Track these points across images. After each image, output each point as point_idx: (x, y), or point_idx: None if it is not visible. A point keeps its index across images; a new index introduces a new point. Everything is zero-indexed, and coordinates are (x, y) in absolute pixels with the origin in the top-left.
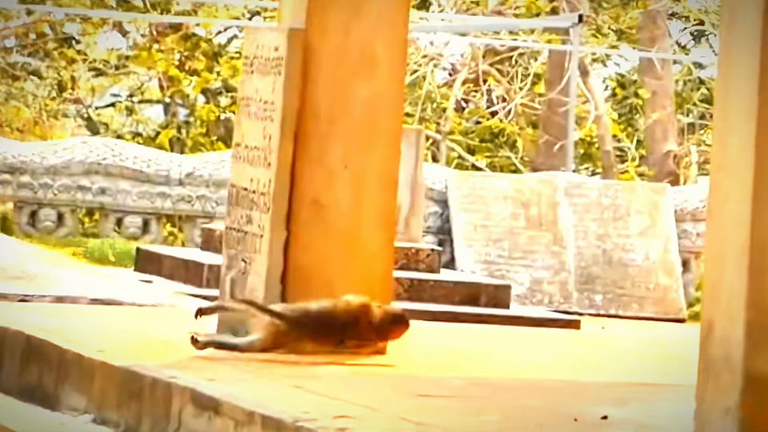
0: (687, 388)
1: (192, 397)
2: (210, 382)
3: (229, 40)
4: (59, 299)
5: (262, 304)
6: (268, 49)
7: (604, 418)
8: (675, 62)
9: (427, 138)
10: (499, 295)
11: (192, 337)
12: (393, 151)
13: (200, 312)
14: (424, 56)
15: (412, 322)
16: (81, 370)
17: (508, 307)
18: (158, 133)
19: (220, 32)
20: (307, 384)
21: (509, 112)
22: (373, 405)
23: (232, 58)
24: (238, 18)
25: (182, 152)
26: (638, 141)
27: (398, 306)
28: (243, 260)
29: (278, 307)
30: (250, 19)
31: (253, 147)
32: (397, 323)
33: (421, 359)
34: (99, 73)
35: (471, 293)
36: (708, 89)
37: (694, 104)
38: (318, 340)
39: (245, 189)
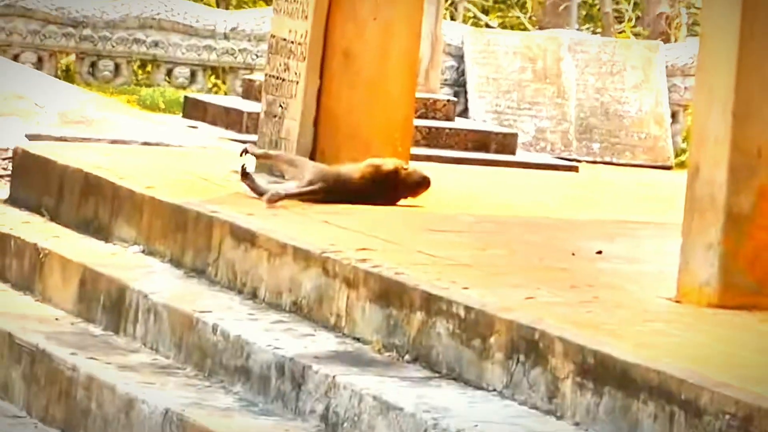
0: (674, 226)
1: (231, 230)
2: (248, 216)
3: None
4: (114, 142)
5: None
6: None
7: (599, 252)
8: None
9: None
10: (507, 142)
11: (242, 168)
12: (417, 6)
13: (246, 151)
14: None
15: (430, 165)
16: (132, 204)
17: (514, 153)
18: None
19: None
20: (335, 220)
21: None
22: (392, 239)
23: None
24: None
25: (228, 9)
26: (635, 3)
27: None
28: (280, 105)
29: (311, 173)
30: None
31: (292, 0)
32: (421, 185)
33: (436, 199)
34: None
35: (482, 140)
36: None
37: None
38: (348, 202)
39: (284, 39)
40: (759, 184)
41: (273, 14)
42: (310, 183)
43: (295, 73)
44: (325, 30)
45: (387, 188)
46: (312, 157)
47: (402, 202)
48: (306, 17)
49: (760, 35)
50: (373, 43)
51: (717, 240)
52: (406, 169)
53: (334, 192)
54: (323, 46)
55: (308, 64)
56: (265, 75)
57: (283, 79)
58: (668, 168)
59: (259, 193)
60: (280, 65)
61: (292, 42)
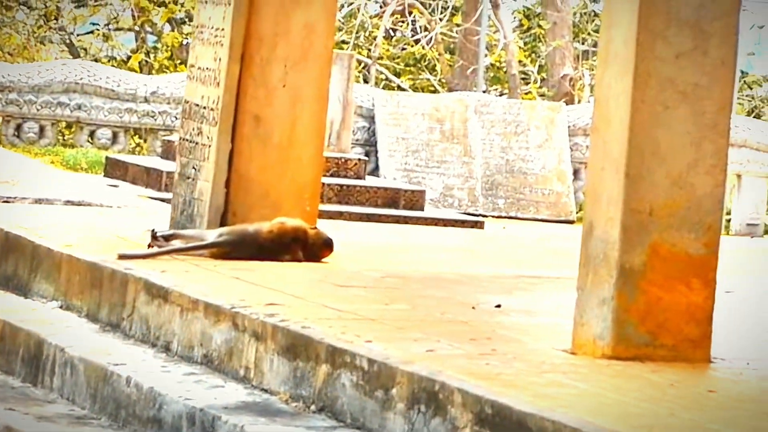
0: (570, 280)
1: (145, 286)
2: (161, 273)
3: None
4: (38, 201)
5: (204, 241)
6: None
7: (498, 306)
8: None
9: (359, 62)
10: (415, 199)
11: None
12: (325, 72)
13: (154, 236)
14: None
15: (340, 223)
16: (51, 262)
17: (423, 209)
18: (129, 57)
19: None
20: (245, 276)
21: (430, 40)
22: (299, 294)
23: None
24: None
25: (150, 74)
26: (540, 66)
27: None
28: (194, 167)
29: (218, 231)
30: None
31: (205, 68)
32: (326, 246)
33: (344, 255)
34: (80, 4)
35: (392, 197)
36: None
37: (589, 34)
38: (256, 259)
39: (197, 105)
40: (650, 242)
41: (186, 81)
42: (219, 235)
43: (208, 137)
44: (237, 96)
45: (294, 245)
46: (224, 218)
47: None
48: (218, 84)
49: (650, 100)
50: (283, 108)
51: (610, 295)
52: (313, 228)
53: (242, 247)
54: (235, 111)
55: (220, 129)
56: (179, 138)
57: (196, 143)
58: (571, 222)
59: (168, 251)
60: (193, 129)
61: (205, 107)
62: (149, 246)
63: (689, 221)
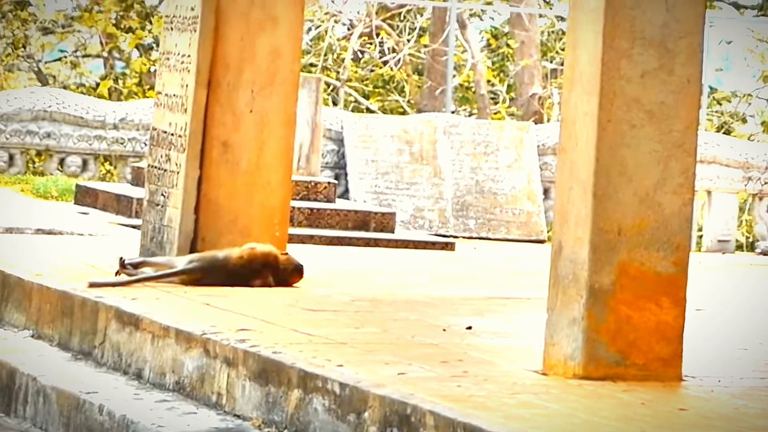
0: (541, 301)
1: (116, 314)
2: (132, 301)
3: (160, 1)
4: (8, 230)
5: (175, 268)
6: (185, 9)
7: (469, 328)
8: (540, 16)
9: (328, 85)
10: (386, 221)
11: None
12: (291, 96)
13: (123, 264)
14: (326, 13)
15: (311, 246)
16: (22, 291)
17: (393, 231)
18: (98, 84)
19: None
20: (216, 302)
21: (398, 61)
22: (270, 319)
23: (161, 17)
24: None
25: (119, 100)
26: (509, 85)
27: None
28: (162, 194)
29: (188, 257)
30: None
31: (172, 95)
32: (296, 272)
33: (314, 279)
34: (48, 31)
35: (362, 220)
36: None
37: (557, 52)
38: (226, 285)
39: (165, 132)
40: (619, 261)
41: (154, 108)
42: (189, 262)
43: (176, 164)
44: (204, 122)
45: (264, 271)
46: (193, 244)
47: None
48: (185, 110)
49: (616, 119)
50: (251, 133)
51: (581, 315)
52: (284, 254)
53: (212, 273)
54: (203, 137)
55: (188, 155)
56: (148, 166)
57: (165, 170)
58: (542, 242)
59: (138, 280)
60: (161, 156)
61: (173, 134)
62: (117, 273)
63: (658, 240)
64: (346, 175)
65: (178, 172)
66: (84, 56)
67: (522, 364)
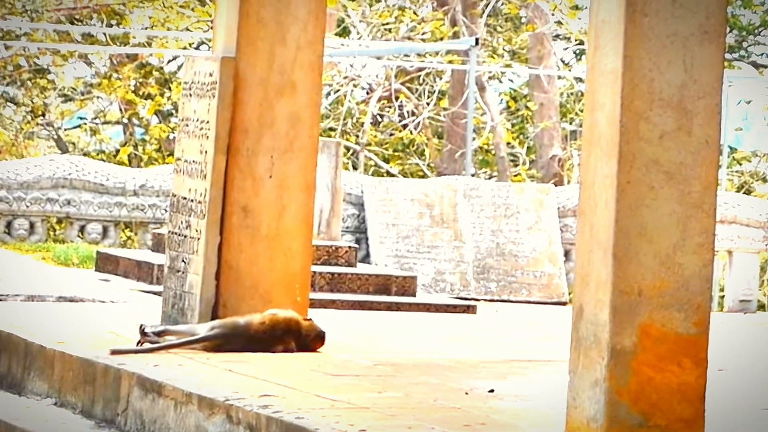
0: (563, 363)
1: (138, 381)
2: (154, 368)
3: (179, 68)
4: (30, 297)
5: (196, 336)
6: (204, 75)
7: (491, 391)
8: (559, 77)
9: (348, 149)
10: (407, 285)
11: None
12: (311, 161)
13: (143, 333)
14: (345, 77)
15: (332, 311)
16: (44, 359)
17: (414, 295)
18: (118, 150)
19: (170, 61)
20: (238, 368)
21: (418, 124)
22: (292, 384)
23: (180, 83)
24: (186, 48)
25: (139, 166)
26: (528, 147)
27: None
28: (183, 260)
29: (209, 324)
30: (197, 48)
31: (191, 161)
32: (318, 339)
33: (336, 343)
34: (67, 99)
35: (383, 284)
36: None
37: (576, 114)
38: (249, 351)
39: (185, 198)
40: (640, 322)
41: (174, 174)
42: (210, 329)
43: (196, 230)
44: (224, 188)
45: (286, 337)
46: (215, 310)
47: None
48: (205, 176)
49: (635, 181)
50: (270, 198)
51: (602, 377)
52: (307, 320)
53: (234, 339)
54: (222, 203)
55: (208, 221)
56: (168, 232)
57: (185, 236)
58: (564, 304)
59: (160, 347)
60: (182, 223)
61: (192, 200)
62: (139, 343)
63: (678, 301)
64: (366, 239)
65: (198, 239)
66: (103, 123)
67: (545, 427)
